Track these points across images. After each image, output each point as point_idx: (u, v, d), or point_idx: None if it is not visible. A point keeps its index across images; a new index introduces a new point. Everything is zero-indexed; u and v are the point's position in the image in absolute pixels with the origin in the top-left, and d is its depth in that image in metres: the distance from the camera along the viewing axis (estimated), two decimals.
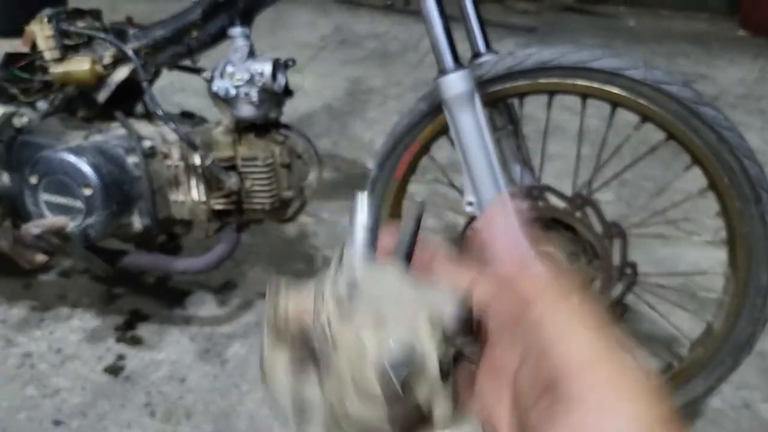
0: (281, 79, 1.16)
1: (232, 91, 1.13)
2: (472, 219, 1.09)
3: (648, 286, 1.13)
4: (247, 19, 1.15)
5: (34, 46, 1.17)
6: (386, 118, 2.39)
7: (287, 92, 1.20)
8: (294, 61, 1.18)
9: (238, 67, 1.13)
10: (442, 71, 1.01)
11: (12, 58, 1.18)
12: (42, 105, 1.23)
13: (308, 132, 1.29)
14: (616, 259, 1.06)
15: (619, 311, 1.10)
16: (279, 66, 1.15)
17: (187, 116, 1.37)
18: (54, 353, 1.35)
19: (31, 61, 1.18)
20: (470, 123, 1.01)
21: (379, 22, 3.44)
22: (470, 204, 1.06)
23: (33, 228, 1.06)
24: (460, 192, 1.18)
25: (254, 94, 1.14)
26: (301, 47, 3.04)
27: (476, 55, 1.15)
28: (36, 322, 1.44)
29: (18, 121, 1.21)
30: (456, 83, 1.00)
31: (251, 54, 1.16)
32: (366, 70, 2.82)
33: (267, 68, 1.13)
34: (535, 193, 1.08)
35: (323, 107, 2.49)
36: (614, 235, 1.05)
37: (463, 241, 1.12)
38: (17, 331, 1.41)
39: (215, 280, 1.57)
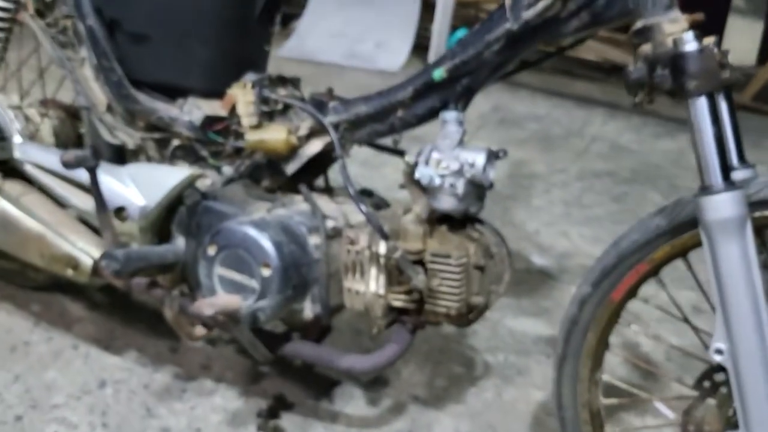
0: (491, 172, 1.02)
1: (437, 180, 1.00)
2: (719, 368, 0.87)
3: None
4: (462, 103, 1.03)
5: (233, 109, 1.11)
6: (552, 208, 2.22)
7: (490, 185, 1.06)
8: (506, 152, 1.04)
9: (446, 155, 1.01)
10: (707, 188, 0.83)
11: (209, 120, 1.12)
12: (227, 170, 1.17)
13: None
14: None
15: None
16: (491, 157, 1.01)
17: (366, 194, 1.26)
18: None
19: (227, 125, 1.12)
20: (737, 254, 0.82)
21: (539, 104, 3.31)
22: (719, 352, 0.85)
23: (206, 308, 0.97)
24: (695, 330, 0.97)
25: (460, 186, 1.00)
26: None
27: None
28: (178, 392, 1.34)
29: (202, 184, 1.14)
30: (725, 206, 0.81)
31: (461, 141, 1.03)
32: (527, 153, 2.67)
33: (479, 159, 1.00)
34: None
35: None
36: None
37: (701, 390, 0.90)
38: (158, 400, 1.32)
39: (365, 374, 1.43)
